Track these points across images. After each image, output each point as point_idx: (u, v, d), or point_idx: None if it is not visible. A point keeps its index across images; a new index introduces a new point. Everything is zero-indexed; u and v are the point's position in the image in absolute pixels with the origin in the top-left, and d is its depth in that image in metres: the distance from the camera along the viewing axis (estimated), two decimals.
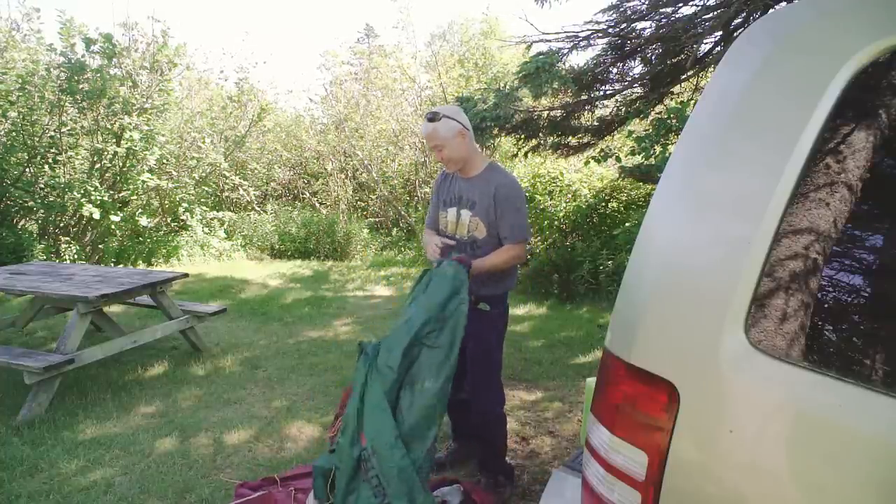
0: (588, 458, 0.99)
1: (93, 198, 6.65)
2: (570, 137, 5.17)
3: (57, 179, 6.68)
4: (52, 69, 6.69)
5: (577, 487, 1.07)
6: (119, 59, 7.09)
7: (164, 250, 7.67)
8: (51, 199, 6.79)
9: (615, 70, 4.72)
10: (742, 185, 0.86)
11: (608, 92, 4.87)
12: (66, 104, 6.72)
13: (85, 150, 7.13)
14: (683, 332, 0.86)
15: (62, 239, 6.97)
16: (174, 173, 8.32)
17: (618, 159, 4.51)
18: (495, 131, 4.70)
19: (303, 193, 10.56)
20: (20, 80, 6.45)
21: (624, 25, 4.31)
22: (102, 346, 3.34)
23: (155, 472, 2.48)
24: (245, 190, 9.42)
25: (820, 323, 0.83)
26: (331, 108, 10.53)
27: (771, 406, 0.79)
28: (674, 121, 3.60)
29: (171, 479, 2.43)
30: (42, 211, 6.81)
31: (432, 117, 2.11)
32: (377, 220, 9.72)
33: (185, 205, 8.21)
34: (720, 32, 3.87)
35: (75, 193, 6.58)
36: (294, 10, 52.95)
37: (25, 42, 7.35)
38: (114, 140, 6.95)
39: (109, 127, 6.95)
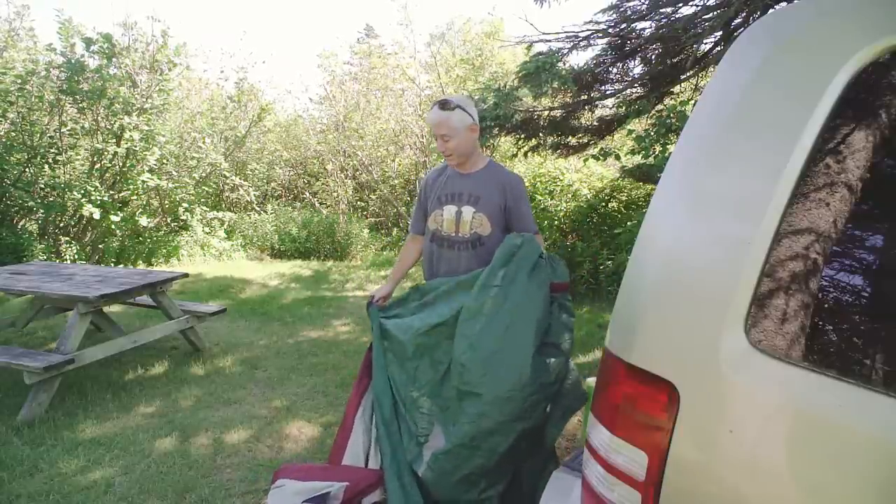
0: (588, 458, 0.99)
1: (93, 198, 6.65)
2: (570, 137, 5.17)
3: (57, 179, 6.67)
4: (51, 69, 6.68)
5: (577, 487, 1.07)
6: (119, 59, 7.08)
7: (164, 250, 7.66)
8: (51, 199, 6.78)
9: (615, 70, 4.72)
10: (742, 185, 0.86)
11: (608, 92, 4.88)
12: (66, 104, 6.71)
13: (85, 150, 7.12)
14: (683, 332, 0.86)
15: (62, 239, 6.96)
16: (174, 173, 8.31)
17: (617, 157, 4.51)
18: (495, 131, 4.70)
19: (303, 193, 10.55)
20: (19, 80, 6.45)
21: (624, 25, 4.31)
22: (102, 346, 3.34)
23: (155, 472, 2.48)
24: (245, 190, 9.42)
25: (820, 323, 0.83)
26: (331, 108, 10.52)
27: (771, 406, 0.79)
28: (674, 120, 3.60)
29: (171, 479, 2.42)
30: (42, 211, 6.80)
31: (444, 105, 2.06)
32: (377, 220, 9.71)
33: (185, 205, 8.21)
34: (720, 32, 3.87)
35: (75, 193, 6.58)
36: (294, 10, 52.98)
37: (23, 41, 7.34)
38: (114, 140, 6.94)
39: (109, 127, 6.94)
